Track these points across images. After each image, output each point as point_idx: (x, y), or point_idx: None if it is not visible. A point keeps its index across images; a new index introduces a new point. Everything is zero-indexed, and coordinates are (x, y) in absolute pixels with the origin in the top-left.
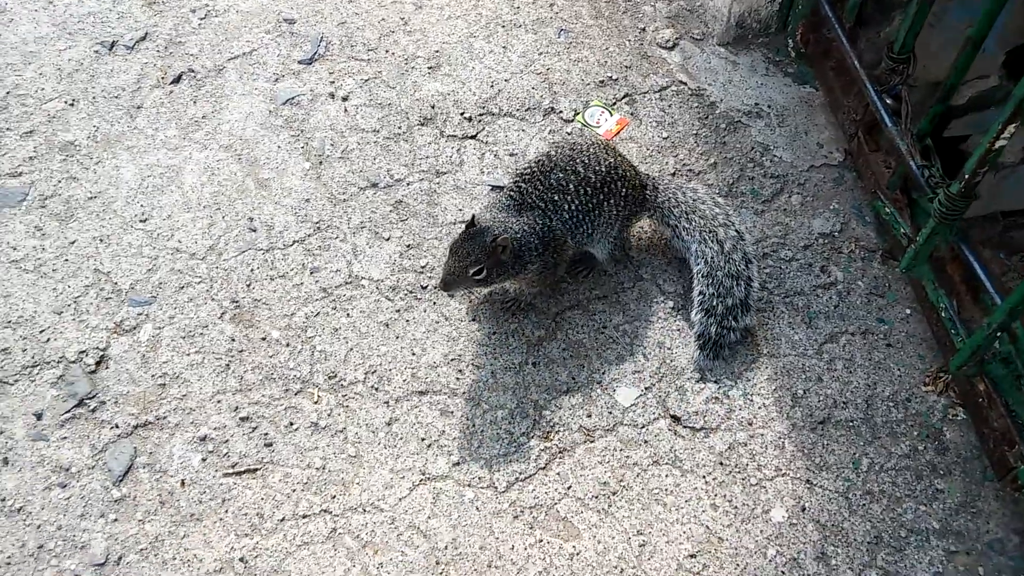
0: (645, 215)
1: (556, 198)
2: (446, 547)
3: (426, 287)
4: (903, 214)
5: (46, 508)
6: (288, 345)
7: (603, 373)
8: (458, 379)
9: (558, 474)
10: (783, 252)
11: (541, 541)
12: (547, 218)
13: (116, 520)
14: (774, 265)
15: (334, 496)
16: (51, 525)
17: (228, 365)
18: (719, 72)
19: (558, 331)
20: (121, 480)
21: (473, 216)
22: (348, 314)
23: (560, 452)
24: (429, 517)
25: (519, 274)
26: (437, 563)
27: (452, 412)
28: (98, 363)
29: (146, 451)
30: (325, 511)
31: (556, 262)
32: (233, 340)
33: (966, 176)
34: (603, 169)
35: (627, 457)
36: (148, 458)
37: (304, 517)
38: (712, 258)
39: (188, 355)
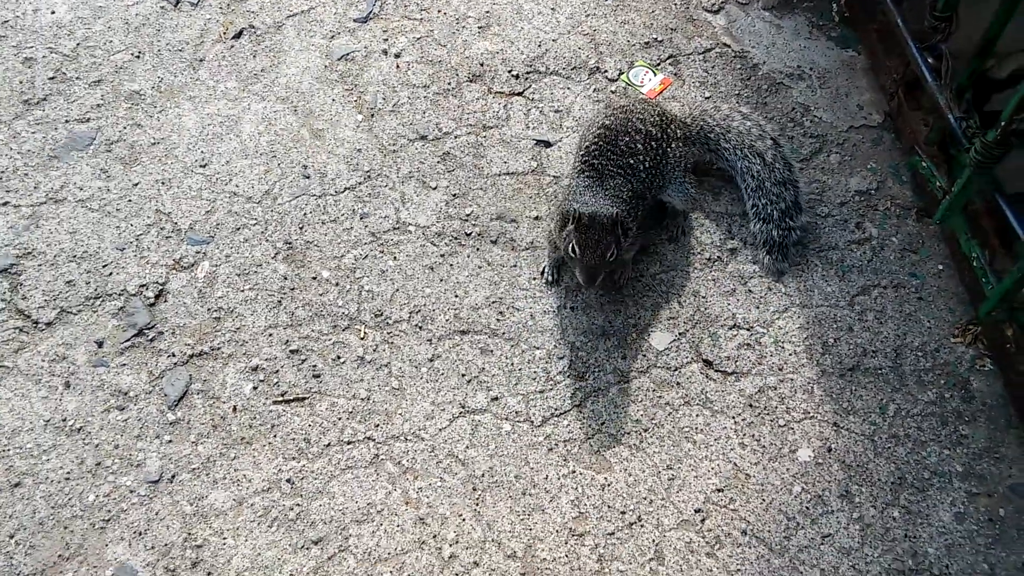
0: (695, 148)
1: (632, 161)
2: (483, 475)
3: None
4: (940, 169)
5: (104, 429)
6: (337, 285)
7: (639, 318)
8: (498, 320)
9: (592, 411)
10: (820, 208)
11: (574, 472)
12: (629, 182)
13: (170, 441)
14: (810, 220)
15: (377, 425)
16: (108, 444)
17: (280, 302)
18: (763, 35)
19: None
20: (176, 405)
21: (575, 210)
22: (395, 257)
23: (594, 391)
24: (467, 447)
25: (627, 244)
26: (474, 489)
27: (492, 351)
28: (157, 296)
29: (200, 379)
30: (369, 438)
31: (641, 226)
32: (285, 279)
33: (1002, 123)
34: (656, 119)
35: (659, 397)
36: (202, 385)
37: (348, 443)
38: (757, 172)
39: (242, 291)
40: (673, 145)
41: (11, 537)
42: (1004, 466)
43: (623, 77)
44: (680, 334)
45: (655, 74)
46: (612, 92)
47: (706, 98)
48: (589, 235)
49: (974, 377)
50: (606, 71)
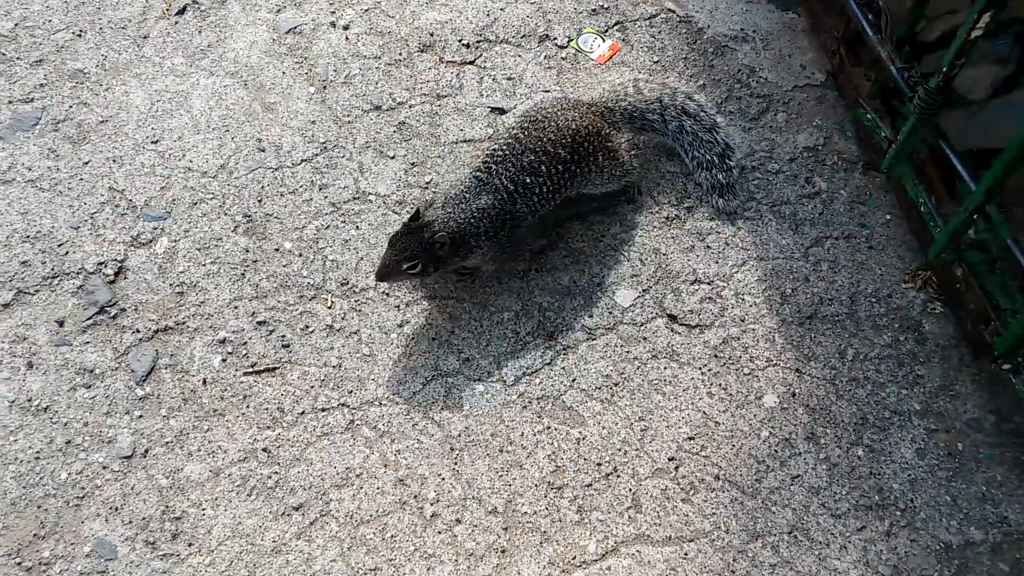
0: (623, 135)
1: (528, 181)
2: (459, 435)
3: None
4: (884, 120)
5: (72, 407)
6: (301, 255)
7: (603, 277)
8: (465, 285)
9: (563, 369)
10: (770, 165)
11: (549, 428)
12: (511, 202)
13: (141, 416)
14: (762, 177)
15: (351, 391)
16: (78, 422)
17: (243, 274)
18: (706, 0)
19: (559, 241)
20: (144, 380)
21: (417, 208)
22: (357, 227)
23: (564, 349)
24: (442, 408)
25: (466, 260)
26: (452, 449)
27: (460, 315)
28: (117, 273)
29: (167, 353)
30: (343, 404)
31: (510, 242)
32: (247, 251)
33: (943, 69)
34: (569, 140)
35: (627, 352)
36: (170, 360)
37: (323, 410)
38: (689, 127)
39: (204, 265)
40: (583, 166)
41: None
42: (959, 403)
43: (572, 44)
44: (644, 291)
45: (604, 40)
46: (563, 59)
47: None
48: (402, 238)
49: (926, 320)
50: (555, 38)
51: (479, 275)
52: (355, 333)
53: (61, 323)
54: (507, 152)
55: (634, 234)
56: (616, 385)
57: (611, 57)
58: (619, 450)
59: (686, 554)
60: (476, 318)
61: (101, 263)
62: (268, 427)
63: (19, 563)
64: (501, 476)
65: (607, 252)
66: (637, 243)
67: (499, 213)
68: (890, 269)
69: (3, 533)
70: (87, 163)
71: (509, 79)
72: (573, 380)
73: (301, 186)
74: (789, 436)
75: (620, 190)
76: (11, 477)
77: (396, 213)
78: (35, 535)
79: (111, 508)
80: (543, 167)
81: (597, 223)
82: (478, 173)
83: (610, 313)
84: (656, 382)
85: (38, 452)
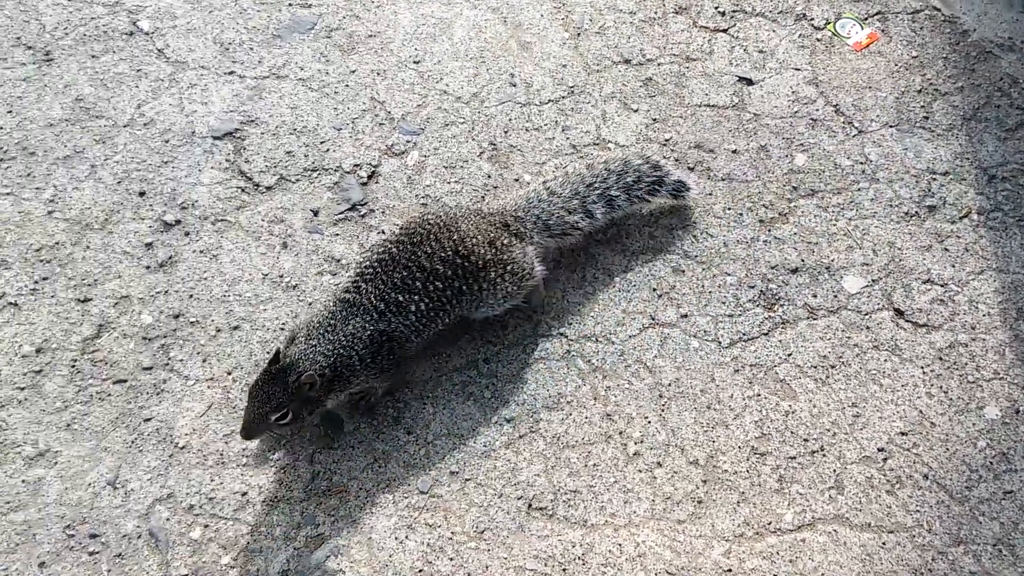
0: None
1: (401, 299)
2: (669, 384)
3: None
4: None
5: (317, 290)
6: None
7: (832, 260)
8: (692, 244)
9: (780, 341)
10: (1021, 179)
11: (759, 395)
12: (384, 322)
13: None
14: (1011, 190)
15: (571, 324)
16: (320, 304)
17: (483, 197)
18: (975, 3)
19: (791, 216)
20: None
21: (278, 350)
22: None
23: (783, 323)
24: (656, 356)
25: (345, 392)
26: (660, 396)
27: (684, 271)
28: (370, 176)
29: None
30: (562, 335)
31: (394, 364)
32: (489, 177)
33: None
34: (450, 254)
35: (848, 338)
36: None
37: (543, 336)
38: (619, 197)
39: (448, 183)
40: (471, 283)
41: (229, 374)
42: None
43: (830, 26)
44: (873, 281)
45: (862, 27)
46: (818, 40)
47: (923, 87)
48: (264, 386)
49: None
50: (812, 18)
51: (373, 393)
52: (580, 269)
53: (315, 213)
54: (377, 268)
55: (869, 224)
56: (833, 367)
57: (868, 45)
58: (828, 430)
59: (884, 543)
60: (699, 277)
61: (357, 165)
62: (491, 343)
63: None
64: (706, 431)
65: (839, 236)
66: (872, 233)
67: (372, 335)
68: None
69: (246, 390)
70: (353, 71)
71: (760, 52)
72: (789, 354)
73: (546, 124)
74: (1007, 451)
75: (523, 299)
76: (257, 342)
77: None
78: None
79: None
80: (418, 283)
81: (833, 206)
82: (345, 295)
83: (835, 297)
84: (874, 372)
85: (283, 324)
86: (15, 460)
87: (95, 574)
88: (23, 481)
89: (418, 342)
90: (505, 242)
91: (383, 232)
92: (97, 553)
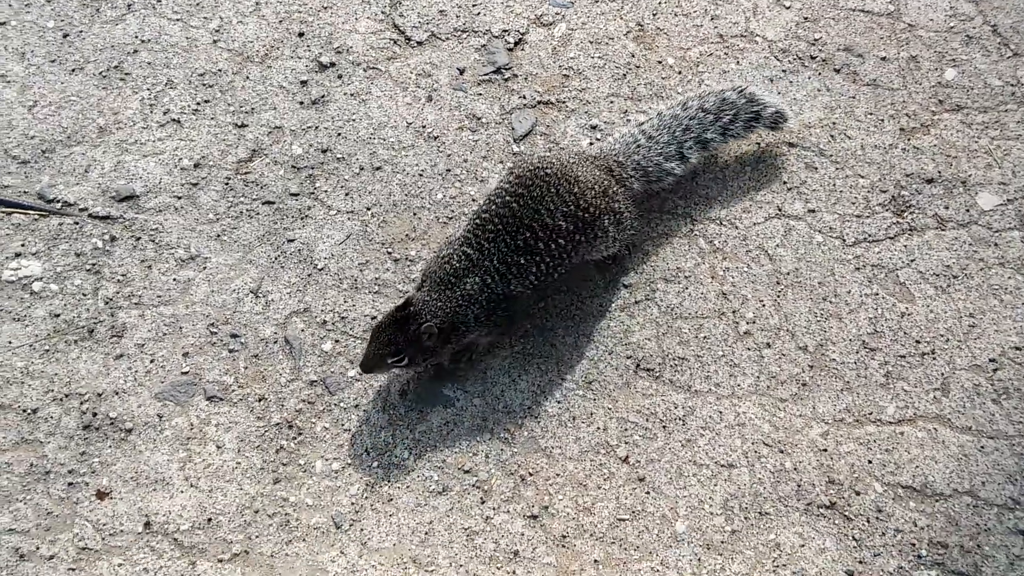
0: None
1: (523, 261)
2: (788, 273)
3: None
4: None
5: (456, 143)
6: (680, 73)
7: (969, 175)
8: (828, 143)
9: (904, 247)
10: None
11: (877, 295)
12: (504, 283)
13: None
14: None
15: (696, 204)
16: (459, 157)
17: (624, 75)
18: None
19: (932, 127)
20: (522, 139)
21: (408, 298)
22: (738, 62)
23: (910, 230)
24: (778, 245)
25: (460, 344)
26: (777, 283)
27: (817, 168)
28: (516, 43)
29: (545, 123)
30: (687, 214)
31: (508, 320)
32: (632, 56)
33: None
34: (572, 207)
35: (974, 252)
36: (546, 129)
37: (668, 213)
38: (715, 138)
39: (592, 58)
40: (588, 234)
41: (368, 209)
42: None
43: None
44: (1008, 200)
45: None
46: None
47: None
48: (386, 329)
49: None
50: None
51: (476, 348)
52: (712, 156)
53: (462, 71)
54: (499, 227)
55: (1012, 145)
56: (955, 278)
57: None
58: (941, 336)
59: (982, 447)
60: (831, 176)
61: (505, 30)
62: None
63: (389, 253)
64: (819, 321)
65: (980, 154)
66: (1013, 155)
67: (490, 297)
68: None
69: (382, 226)
70: None
71: None
72: (912, 260)
73: (695, 11)
74: None
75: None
76: (397, 184)
77: (777, 59)
78: (406, 235)
79: None
80: (541, 244)
81: (976, 124)
82: (466, 248)
83: (967, 211)
84: (996, 288)
85: (422, 171)
86: (168, 260)
87: (232, 369)
88: (174, 280)
89: (532, 297)
90: (615, 190)
91: (523, 97)
92: (236, 351)
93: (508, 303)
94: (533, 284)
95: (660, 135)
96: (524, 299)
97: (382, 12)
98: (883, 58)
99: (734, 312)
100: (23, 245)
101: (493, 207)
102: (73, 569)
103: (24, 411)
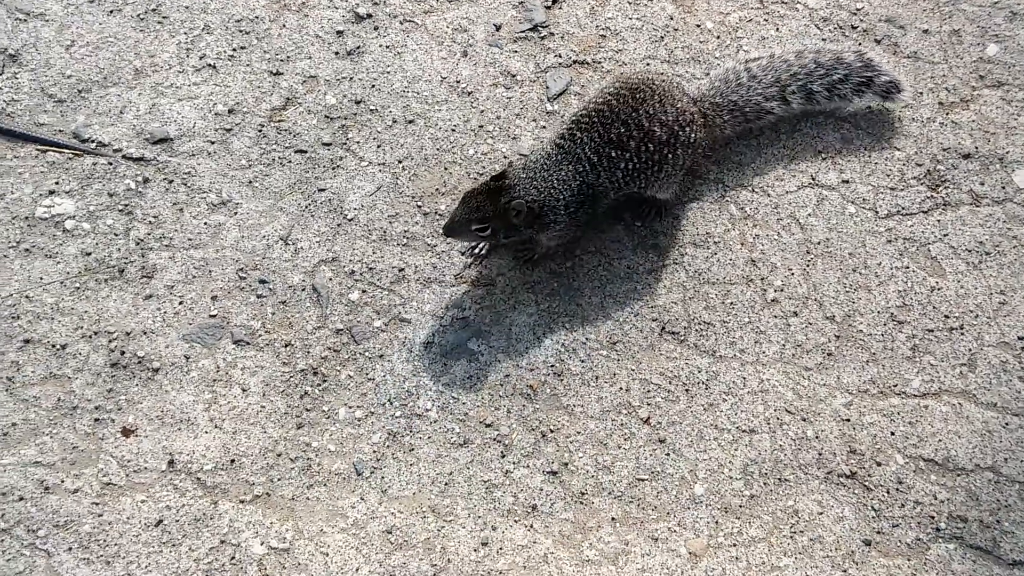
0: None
1: (613, 154)
2: (819, 243)
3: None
4: None
5: (490, 100)
6: (718, 38)
7: (1007, 152)
8: (865, 114)
9: (938, 221)
10: None
11: (907, 268)
12: (594, 175)
13: (544, 128)
14: None
15: (728, 170)
16: (491, 114)
17: (662, 38)
18: None
19: (972, 103)
20: (555, 98)
21: (505, 169)
22: (777, 28)
23: (944, 204)
24: (809, 215)
25: (541, 233)
26: (807, 252)
27: (852, 140)
28: (554, 1)
29: (580, 83)
30: (719, 180)
31: (586, 219)
32: (671, 19)
33: None
34: (670, 118)
35: (1008, 229)
36: (580, 89)
37: (699, 178)
38: (820, 93)
39: (630, 19)
40: (679, 152)
41: (400, 162)
42: None
43: None
44: None
45: None
46: None
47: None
48: (478, 196)
49: None
50: None
51: (538, 249)
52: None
53: (498, 27)
54: (595, 119)
55: None
56: (987, 254)
57: None
58: (970, 311)
59: (1007, 424)
60: (867, 147)
61: None
62: None
63: (419, 206)
64: (847, 292)
65: (1019, 131)
66: None
67: (580, 186)
68: None
69: (412, 179)
70: None
71: None
72: (945, 235)
73: None
74: None
75: (661, 198)
76: (429, 138)
77: (818, 28)
78: (436, 190)
79: None
80: (632, 142)
81: (1017, 100)
82: (560, 140)
83: (1003, 188)
84: None
85: (454, 126)
86: (199, 204)
87: (260, 314)
88: (205, 223)
89: (611, 200)
90: (701, 135)
91: (559, 55)
92: (264, 297)
93: (594, 201)
94: (619, 182)
95: (765, 75)
96: (604, 202)
97: None
98: (925, 31)
99: (762, 279)
100: (57, 183)
101: (592, 105)
102: (96, 503)
103: (53, 346)
